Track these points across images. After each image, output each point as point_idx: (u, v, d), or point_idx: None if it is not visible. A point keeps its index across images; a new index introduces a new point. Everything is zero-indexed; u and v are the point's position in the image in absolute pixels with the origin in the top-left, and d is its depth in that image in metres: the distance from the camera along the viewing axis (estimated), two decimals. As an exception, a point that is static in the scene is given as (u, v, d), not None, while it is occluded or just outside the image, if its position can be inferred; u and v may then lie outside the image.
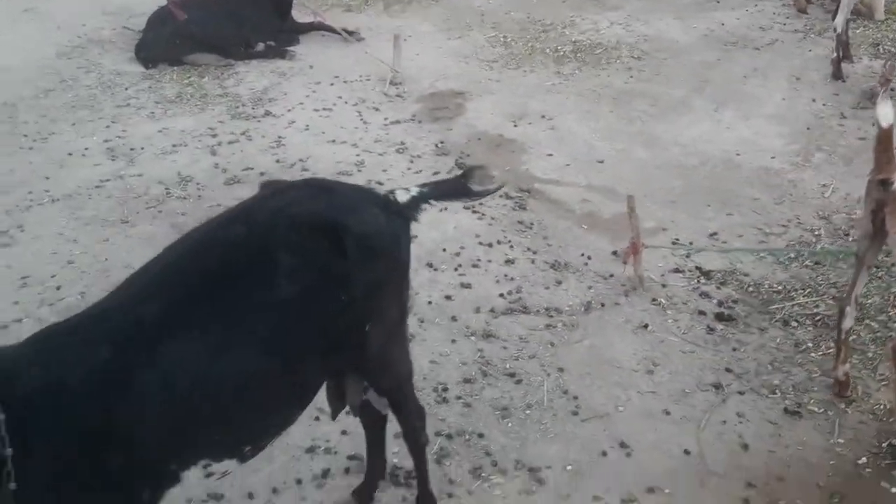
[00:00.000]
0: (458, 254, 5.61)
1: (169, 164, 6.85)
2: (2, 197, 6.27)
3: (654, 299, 5.16)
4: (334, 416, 3.30)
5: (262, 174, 6.69)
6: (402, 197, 3.12)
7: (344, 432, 4.08)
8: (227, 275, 2.65)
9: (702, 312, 5.02)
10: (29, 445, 2.21)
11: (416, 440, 3.45)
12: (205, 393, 2.53)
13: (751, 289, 5.24)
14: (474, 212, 6.05)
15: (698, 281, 5.33)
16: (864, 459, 3.98)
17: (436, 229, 5.76)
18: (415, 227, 3.22)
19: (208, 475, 2.71)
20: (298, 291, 2.71)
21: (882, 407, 4.26)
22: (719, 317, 4.97)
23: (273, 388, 2.73)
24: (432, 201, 3.23)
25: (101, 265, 5.47)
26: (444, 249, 5.61)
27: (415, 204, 3.14)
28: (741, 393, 4.40)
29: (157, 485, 2.56)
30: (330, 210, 2.87)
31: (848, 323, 4.27)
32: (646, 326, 4.91)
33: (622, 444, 4.07)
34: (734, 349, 4.72)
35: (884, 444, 4.05)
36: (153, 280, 2.62)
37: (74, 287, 5.24)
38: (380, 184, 6.48)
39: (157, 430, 2.47)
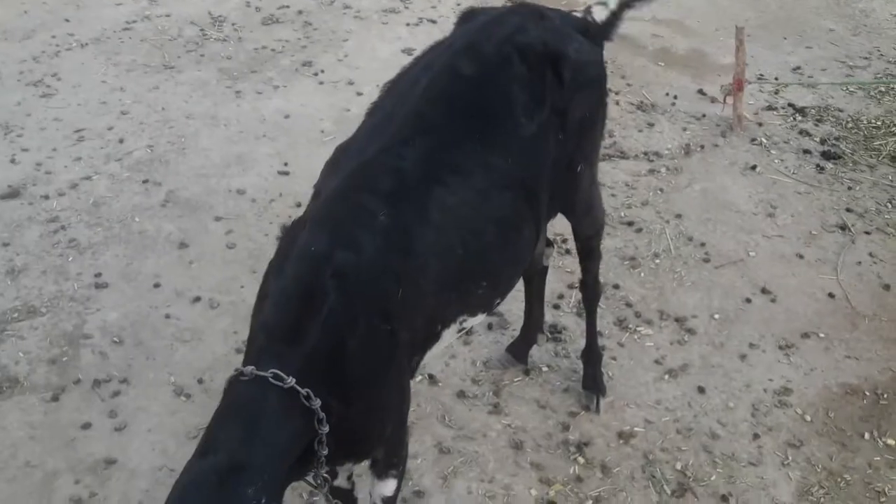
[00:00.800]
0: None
1: (196, 2, 6.28)
2: (24, 42, 5.70)
3: (753, 139, 4.96)
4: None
5: (300, 12, 6.21)
6: (599, 15, 2.81)
7: (477, 288, 3.88)
8: (470, 116, 2.36)
9: (807, 151, 4.85)
10: (353, 330, 1.99)
11: (594, 289, 3.29)
12: (470, 243, 2.30)
13: (850, 125, 5.07)
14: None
15: (794, 118, 5.14)
16: None
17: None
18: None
19: (460, 331, 2.53)
20: (534, 129, 2.46)
21: None
22: (826, 155, 4.81)
23: (521, 233, 2.51)
24: (626, 10, 2.93)
25: (160, 115, 5.03)
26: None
27: (612, 22, 2.85)
28: (867, 233, 4.29)
29: (424, 347, 2.34)
30: (550, 38, 2.56)
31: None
32: (753, 168, 4.72)
33: (764, 290, 3.95)
34: (849, 188, 4.58)
35: None
36: (398, 126, 2.30)
37: (139, 140, 4.82)
38: (432, 21, 6.06)
39: (434, 289, 2.23)
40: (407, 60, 5.58)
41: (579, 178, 2.77)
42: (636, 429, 3.35)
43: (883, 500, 3.09)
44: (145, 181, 4.51)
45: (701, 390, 3.49)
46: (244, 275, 3.99)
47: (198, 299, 3.85)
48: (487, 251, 2.38)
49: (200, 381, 3.49)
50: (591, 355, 3.42)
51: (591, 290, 3.28)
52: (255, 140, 4.89)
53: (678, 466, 3.21)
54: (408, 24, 6.04)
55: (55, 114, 5.00)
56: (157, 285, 3.91)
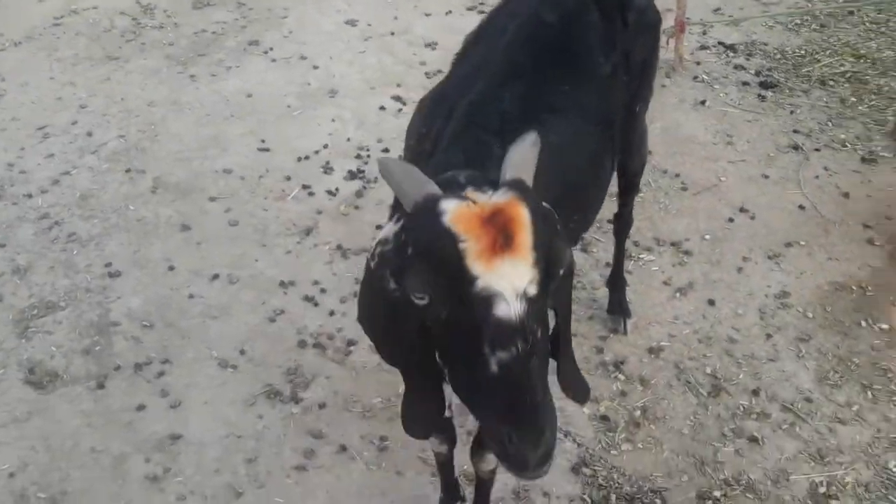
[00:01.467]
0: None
1: (120, -8, 6.16)
2: (-48, 46, 5.48)
3: (695, 77, 5.31)
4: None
5: (230, -6, 6.18)
6: None
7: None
8: (556, 59, 2.54)
9: (745, 83, 5.23)
10: None
11: (628, 220, 3.54)
12: (568, 178, 2.47)
13: (777, 56, 5.49)
14: (475, 9, 5.88)
15: (727, 55, 5.51)
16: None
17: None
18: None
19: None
20: (609, 69, 2.66)
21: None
22: (763, 85, 5.20)
23: (605, 169, 2.71)
24: None
25: (121, 105, 4.97)
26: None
27: None
28: (817, 150, 4.69)
29: None
30: None
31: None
32: (703, 102, 5.06)
33: (742, 209, 4.28)
34: (791, 112, 4.98)
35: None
36: (492, 71, 2.43)
37: (108, 131, 4.75)
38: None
39: None
40: (352, 32, 5.73)
41: (637, 117, 3.00)
42: (662, 343, 3.62)
43: (890, 375, 3.46)
44: (128, 170, 4.47)
45: (711, 303, 3.79)
46: (254, 249, 4.05)
47: (216, 277, 3.89)
48: (581, 186, 2.57)
49: (242, 352, 3.55)
50: (618, 281, 3.67)
51: (625, 221, 3.53)
52: (224, 121, 4.90)
53: (708, 371, 3.50)
54: (343, -3, 6.12)
55: (11, 114, 4.87)
56: (171, 268, 3.92)
